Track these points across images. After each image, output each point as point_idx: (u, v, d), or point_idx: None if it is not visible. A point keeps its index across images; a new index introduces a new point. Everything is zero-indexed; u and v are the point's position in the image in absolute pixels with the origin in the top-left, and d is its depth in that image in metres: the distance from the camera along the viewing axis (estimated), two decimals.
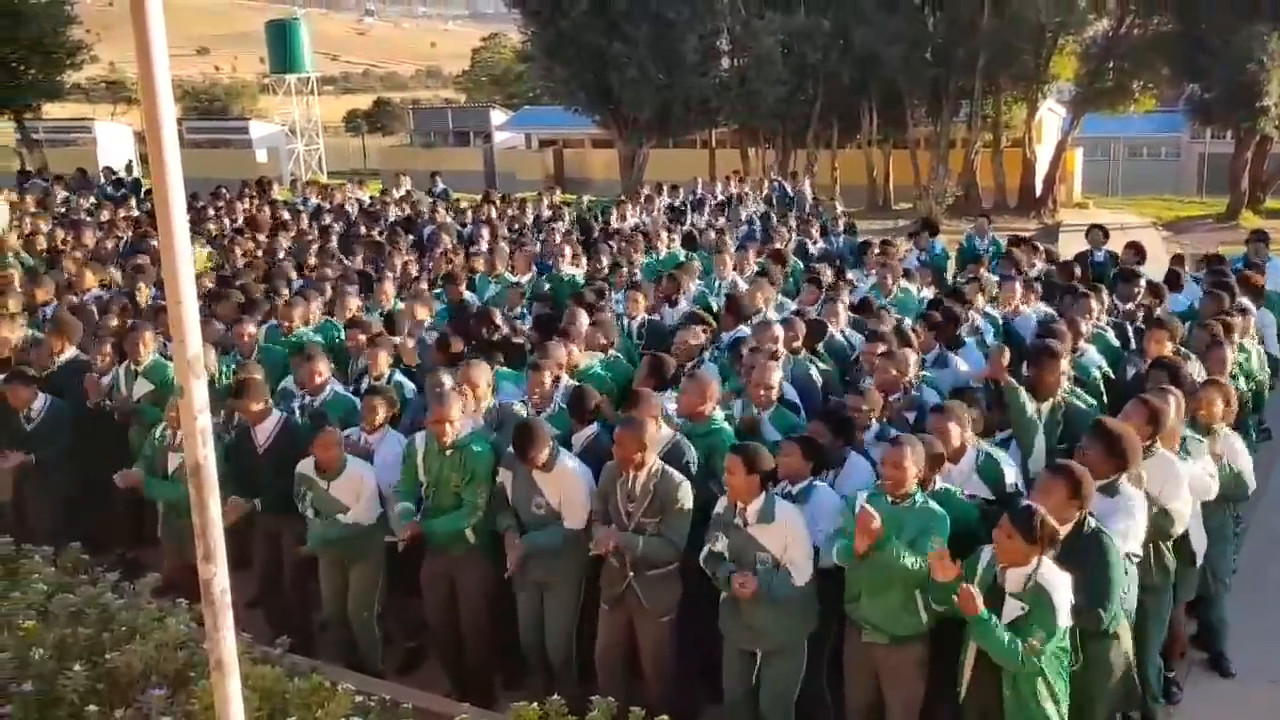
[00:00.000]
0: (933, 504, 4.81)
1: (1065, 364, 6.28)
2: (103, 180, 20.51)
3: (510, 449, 5.65)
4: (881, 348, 6.77)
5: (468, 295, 9.68)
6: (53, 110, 34.78)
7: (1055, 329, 7.04)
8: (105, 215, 14.78)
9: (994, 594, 4.36)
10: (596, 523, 5.41)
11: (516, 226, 14.25)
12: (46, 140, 33.15)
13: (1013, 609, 4.28)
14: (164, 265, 2.57)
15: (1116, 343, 7.83)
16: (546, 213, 15.59)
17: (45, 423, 7.21)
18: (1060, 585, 4.25)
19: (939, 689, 4.88)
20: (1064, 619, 4.25)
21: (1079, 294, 8.09)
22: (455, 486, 5.68)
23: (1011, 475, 5.41)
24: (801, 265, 11.03)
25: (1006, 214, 26.26)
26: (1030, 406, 5.89)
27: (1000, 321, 8.46)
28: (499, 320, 8.03)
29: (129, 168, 22.56)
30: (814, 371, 7.16)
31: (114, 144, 32.28)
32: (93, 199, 17.34)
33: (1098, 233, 11.41)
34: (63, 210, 15.95)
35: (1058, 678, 4.36)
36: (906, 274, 9.88)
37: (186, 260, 2.57)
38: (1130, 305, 8.72)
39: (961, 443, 5.38)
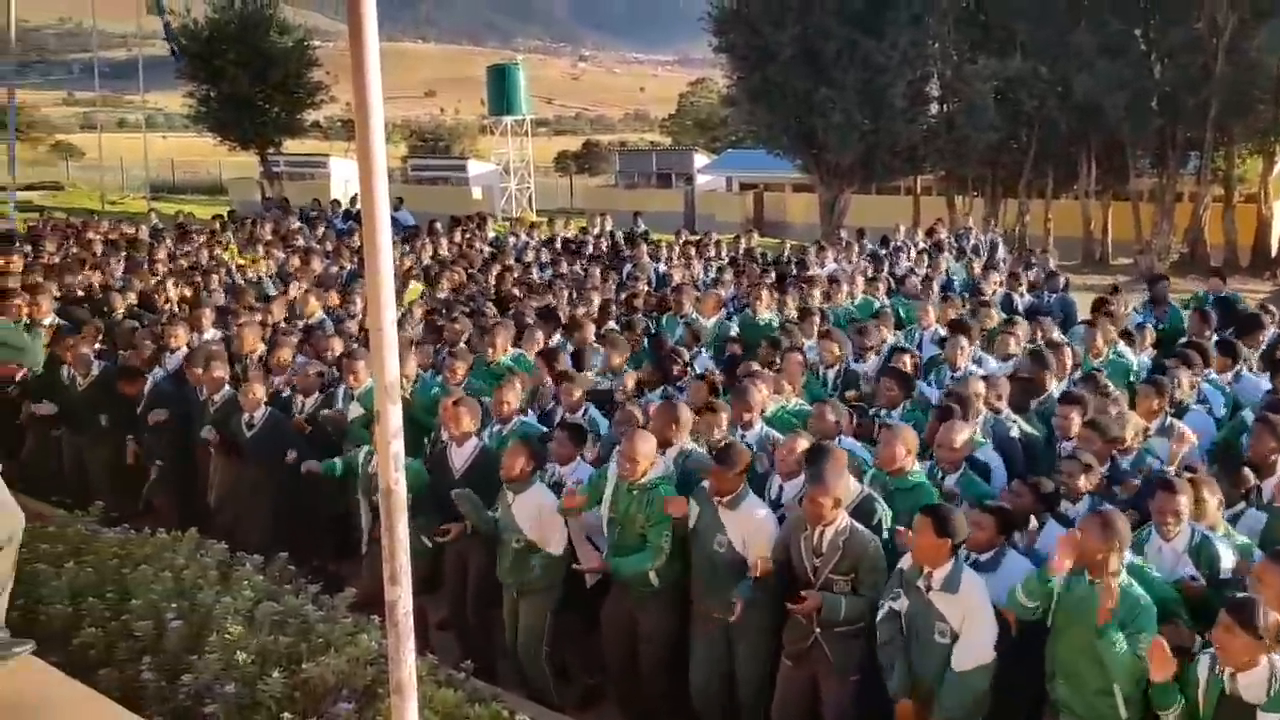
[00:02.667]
0: (1138, 589, 4.44)
1: None
2: (330, 212, 21.91)
3: (703, 483, 5.63)
4: (1075, 410, 6.37)
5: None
6: (292, 146, 37.55)
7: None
8: (329, 245, 15.75)
9: (1229, 706, 3.93)
10: (765, 558, 5.29)
11: (712, 268, 14.31)
12: (286, 173, 35.76)
13: None
14: (369, 294, 2.69)
15: None
16: (742, 255, 15.61)
17: (264, 430, 7.70)
18: None
19: None
20: None
21: None
22: (640, 527, 5.68)
23: (1229, 562, 4.96)
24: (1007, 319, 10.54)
25: (1238, 274, 24.40)
26: None
27: (1228, 389, 7.83)
28: (689, 359, 8.07)
29: (354, 200, 24.04)
30: (1015, 431, 6.83)
31: (345, 178, 34.48)
32: (322, 228, 18.54)
33: None
34: (297, 238, 17.10)
35: None
36: (1125, 334, 9.28)
37: (389, 289, 2.68)
38: None
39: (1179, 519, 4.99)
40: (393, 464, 2.72)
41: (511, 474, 5.98)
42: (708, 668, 5.67)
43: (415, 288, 12.39)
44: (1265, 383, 7.84)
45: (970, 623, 4.66)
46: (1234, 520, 5.44)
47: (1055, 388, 7.50)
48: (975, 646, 4.66)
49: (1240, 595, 3.98)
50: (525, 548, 6.00)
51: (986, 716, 4.75)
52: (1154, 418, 6.69)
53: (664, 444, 6.05)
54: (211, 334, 9.62)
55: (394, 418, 2.73)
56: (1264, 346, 8.95)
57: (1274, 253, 25.61)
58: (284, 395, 8.16)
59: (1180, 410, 6.99)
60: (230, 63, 31.87)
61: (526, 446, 6.06)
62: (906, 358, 8.07)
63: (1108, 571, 4.36)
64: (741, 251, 16.01)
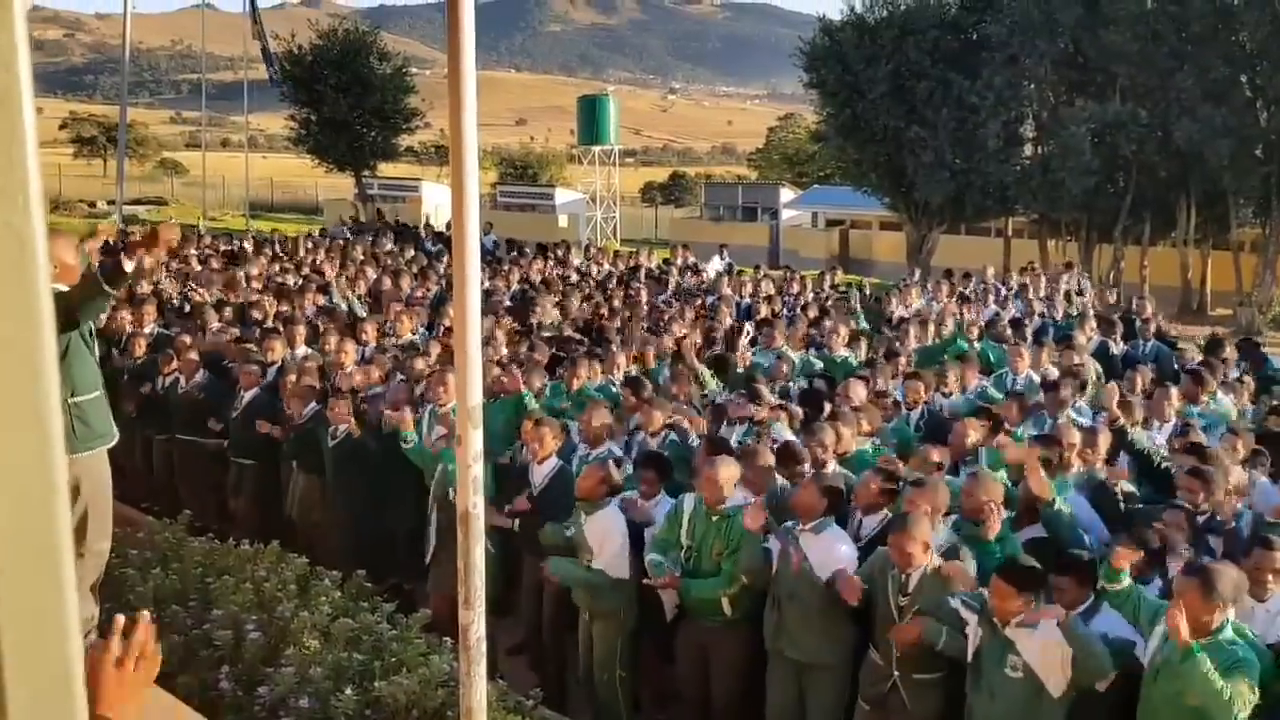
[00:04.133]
0: (1240, 646, 4.26)
1: None
2: (422, 235, 22.32)
3: (788, 524, 5.58)
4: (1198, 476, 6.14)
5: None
6: (386, 170, 38.45)
7: None
8: (416, 268, 16.02)
9: None
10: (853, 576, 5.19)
11: (795, 304, 14.21)
12: (379, 196, 36.63)
13: None
14: (455, 317, 2.72)
15: None
16: (827, 291, 15.49)
17: (343, 444, 7.84)
18: None
19: None
20: None
21: None
22: (717, 554, 5.63)
23: None
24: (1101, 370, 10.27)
25: None
26: None
27: None
28: (766, 394, 8.00)
29: (449, 225, 24.48)
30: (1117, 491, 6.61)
31: (436, 202, 35.15)
32: (413, 250, 18.89)
33: None
34: (388, 259, 17.45)
35: None
36: (1225, 385, 8.97)
37: (475, 316, 2.70)
38: None
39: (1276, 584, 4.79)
40: (472, 488, 2.73)
41: (585, 492, 5.98)
42: (786, 711, 5.57)
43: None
44: None
45: (1044, 664, 4.51)
46: None
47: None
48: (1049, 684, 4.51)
49: None
50: (598, 570, 5.97)
51: None
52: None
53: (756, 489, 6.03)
54: (303, 350, 9.83)
55: (475, 442, 2.74)
56: None
57: None
58: (369, 414, 8.28)
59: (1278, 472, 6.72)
60: (330, 87, 32.79)
61: (604, 468, 6.05)
62: (1015, 404, 7.88)
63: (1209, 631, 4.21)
64: (826, 288, 15.88)
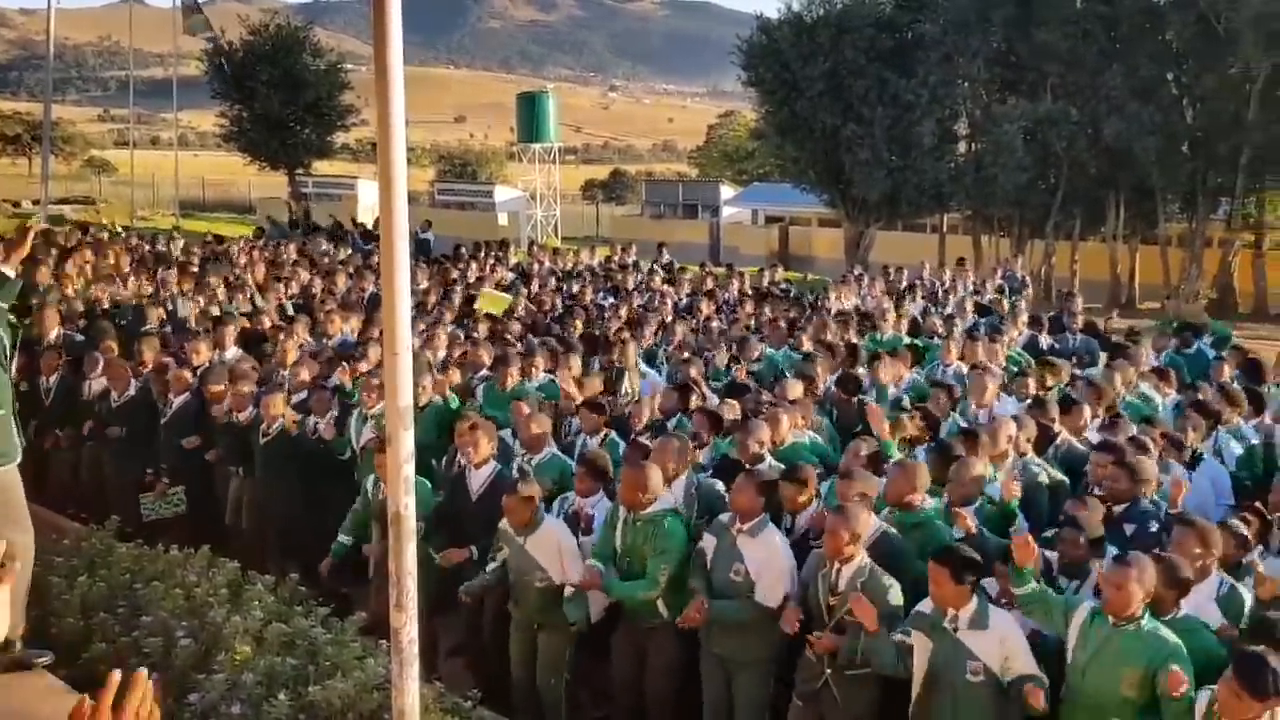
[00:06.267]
0: (1165, 632, 4.37)
1: None
2: (352, 233, 22.04)
3: (720, 516, 5.59)
4: (1111, 458, 6.29)
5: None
6: (321, 167, 37.96)
7: None
8: (352, 267, 15.82)
9: None
10: (795, 608, 5.23)
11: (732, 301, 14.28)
12: (314, 194, 36.11)
13: None
14: (385, 317, 2.69)
15: None
16: (766, 288, 15.58)
17: (275, 442, 7.73)
18: None
19: None
20: None
21: None
22: (645, 558, 5.65)
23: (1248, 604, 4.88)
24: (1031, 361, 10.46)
25: (1268, 321, 24.23)
26: None
27: (1260, 438, 7.72)
28: (704, 390, 8.05)
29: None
30: (1043, 477, 6.75)
31: (372, 201, 34.78)
32: (348, 249, 18.66)
33: None
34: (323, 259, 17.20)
35: None
36: (1159, 373, 9.21)
37: (405, 316, 2.67)
38: None
39: (1206, 565, 4.91)
40: (403, 488, 2.71)
41: (517, 522, 5.90)
42: (719, 708, 5.60)
43: (490, 297, 12.53)
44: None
45: (1017, 659, 4.59)
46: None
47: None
48: (1040, 679, 4.57)
49: (1248, 652, 3.88)
50: (550, 585, 5.92)
51: None
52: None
53: (666, 480, 6.04)
54: (233, 352, 9.66)
55: (406, 442, 2.71)
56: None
57: None
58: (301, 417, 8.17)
59: (1195, 459, 6.89)
60: (263, 84, 32.30)
61: (526, 499, 5.93)
62: (944, 395, 8.01)
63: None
64: (765, 285, 15.99)
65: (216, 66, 33.11)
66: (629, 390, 8.98)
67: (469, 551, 6.33)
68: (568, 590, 5.84)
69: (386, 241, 2.73)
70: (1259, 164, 24.01)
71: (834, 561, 5.04)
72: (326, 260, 16.78)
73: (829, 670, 5.06)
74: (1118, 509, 5.89)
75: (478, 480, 6.65)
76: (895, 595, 4.99)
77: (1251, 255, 25.85)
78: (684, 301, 13.87)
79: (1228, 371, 9.43)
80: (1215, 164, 24.40)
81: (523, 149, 37.00)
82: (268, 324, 10.92)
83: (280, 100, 32.55)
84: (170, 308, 11.89)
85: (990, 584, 5.03)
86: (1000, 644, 4.59)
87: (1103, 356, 10.95)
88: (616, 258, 18.33)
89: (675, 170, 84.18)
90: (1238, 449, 7.57)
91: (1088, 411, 7.61)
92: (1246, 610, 4.83)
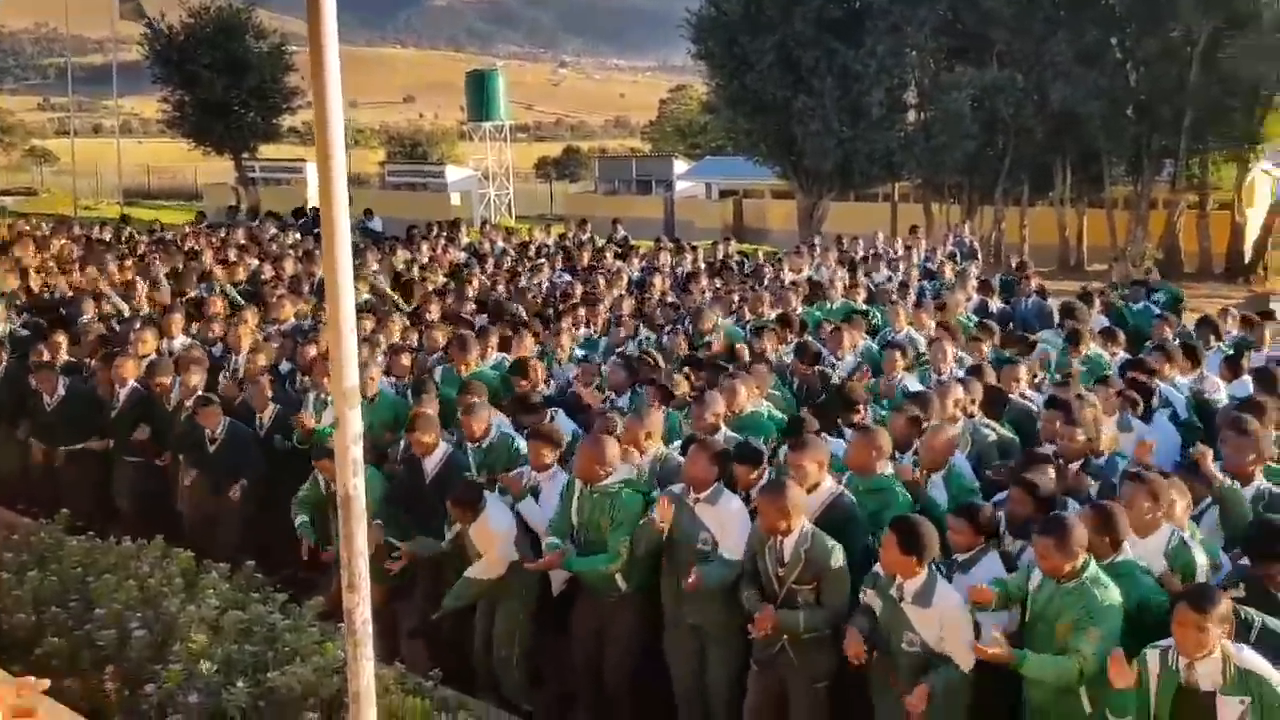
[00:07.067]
0: (1101, 585, 4.45)
1: (1265, 448, 5.80)
2: (304, 218, 21.75)
3: (672, 488, 5.63)
4: (1060, 415, 6.40)
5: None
6: (269, 151, 37.35)
7: (1258, 403, 6.51)
8: (301, 251, 15.63)
9: (1188, 698, 3.96)
10: (749, 588, 5.27)
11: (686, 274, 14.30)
12: (262, 179, 35.56)
13: (1230, 710, 3.86)
14: (328, 299, 2.66)
15: None
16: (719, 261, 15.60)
17: (226, 445, 7.64)
18: (1266, 669, 3.86)
19: None
20: None
21: None
22: (605, 531, 5.67)
23: (1203, 564, 4.98)
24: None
25: (1211, 280, 24.67)
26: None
27: (1191, 394, 7.90)
28: (660, 362, 8.07)
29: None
30: (991, 436, 6.86)
31: (344, 193, 34.22)
32: (297, 234, 18.43)
33: None
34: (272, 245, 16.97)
35: None
36: (1106, 333, 9.39)
37: (348, 295, 2.65)
38: None
39: (1154, 519, 5.01)
40: (351, 469, 2.69)
41: (460, 518, 5.94)
42: (691, 677, 5.63)
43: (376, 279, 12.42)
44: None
45: (952, 638, 4.65)
46: (1198, 517, 5.49)
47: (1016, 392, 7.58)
48: (964, 659, 4.64)
49: (1195, 584, 4.00)
50: (478, 578, 5.97)
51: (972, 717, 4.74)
52: (1111, 415, 6.84)
53: (638, 451, 6.06)
54: (182, 340, 9.53)
55: (354, 423, 2.69)
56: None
57: (1247, 259, 25.85)
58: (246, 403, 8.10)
59: (1146, 414, 7.03)
60: (205, 68, 31.71)
61: (462, 501, 5.93)
62: (898, 353, 8.11)
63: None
64: (719, 258, 16.01)
65: (157, 51, 32.47)
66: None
67: (378, 525, 6.31)
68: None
69: (327, 220, 2.70)
70: (1201, 126, 24.38)
71: (775, 535, 5.08)
72: (275, 246, 16.57)
73: (784, 636, 5.11)
74: (1075, 466, 6.02)
75: (431, 463, 6.64)
76: (838, 557, 5.04)
77: (1196, 216, 26.27)
78: (638, 277, 13.87)
79: (1169, 331, 9.60)
80: (1159, 127, 24.74)
81: (473, 128, 36.70)
82: (218, 309, 10.75)
83: (223, 84, 31.98)
84: (117, 297, 11.70)
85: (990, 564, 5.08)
86: (939, 623, 4.66)
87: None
88: (571, 235, 18.27)
89: (628, 146, 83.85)
90: (1184, 402, 7.73)
91: (1023, 370, 7.76)
92: (1197, 565, 4.93)
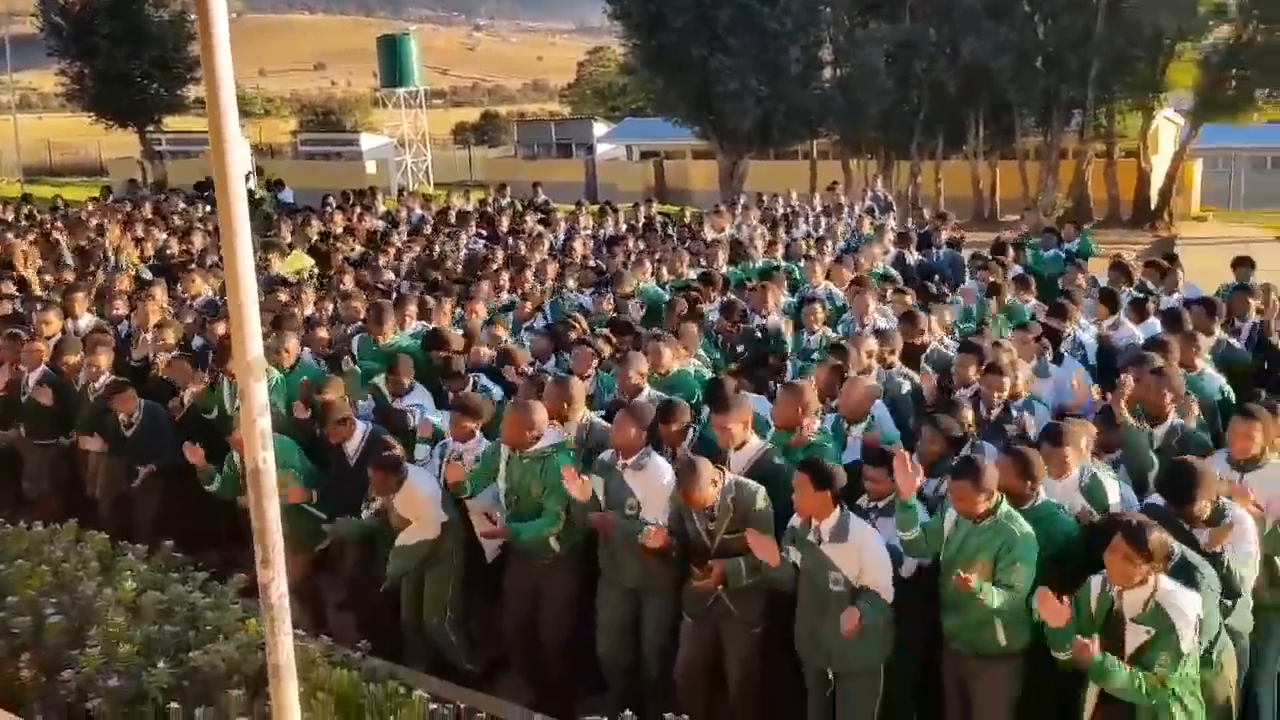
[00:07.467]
0: (1015, 521, 4.61)
1: (1178, 385, 6.00)
2: (208, 190, 21.19)
3: (601, 455, 5.63)
4: (974, 360, 6.55)
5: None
6: (174, 124, 36.21)
7: (1165, 344, 6.73)
8: (212, 224, 15.25)
9: (1115, 622, 4.14)
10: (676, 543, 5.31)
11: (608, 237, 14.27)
12: (169, 153, 34.52)
13: (1137, 635, 4.05)
14: (226, 267, 2.60)
15: (1249, 360, 7.52)
16: (642, 223, 15.60)
17: (142, 428, 7.46)
18: (1186, 605, 4.02)
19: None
20: (1189, 642, 4.01)
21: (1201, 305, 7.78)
22: (537, 496, 5.67)
23: (1115, 497, 5.17)
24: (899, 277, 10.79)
25: (1120, 227, 25.37)
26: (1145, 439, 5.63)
27: (1098, 339, 8.15)
28: (583, 326, 8.06)
29: (246, 178, 23.27)
30: (906, 386, 6.99)
31: (240, 159, 33.39)
32: (207, 207, 17.96)
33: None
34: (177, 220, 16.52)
35: (1193, 701, 4.12)
36: (1021, 281, 9.63)
37: (248, 265, 2.59)
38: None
39: (1072, 462, 5.17)
40: (259, 442, 2.64)
41: (380, 489, 5.92)
42: (617, 632, 5.68)
43: (297, 257, 12.12)
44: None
45: (871, 571, 4.76)
46: (1117, 463, 5.66)
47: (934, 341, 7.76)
48: (886, 589, 4.77)
49: (1133, 519, 4.14)
50: (417, 541, 5.98)
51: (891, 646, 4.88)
52: (1029, 360, 7.04)
53: (560, 419, 6.04)
54: (88, 320, 9.25)
55: (259, 395, 2.64)
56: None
57: (1153, 205, 26.58)
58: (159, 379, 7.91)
59: (1057, 358, 7.23)
60: (104, 38, 30.56)
61: (384, 468, 5.92)
62: (817, 307, 8.21)
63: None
64: (641, 220, 15.99)
65: (52, 23, 31.20)
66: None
67: (311, 493, 6.39)
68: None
69: (222, 193, 2.63)
70: (1107, 76, 24.97)
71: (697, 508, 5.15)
72: (181, 220, 16.12)
73: (720, 587, 5.18)
74: (996, 412, 6.17)
75: (352, 448, 6.55)
76: (762, 499, 5.13)
77: (1103, 165, 26.92)
78: (559, 241, 13.79)
79: (1081, 278, 9.85)
80: (1067, 78, 25.26)
81: (387, 94, 36.03)
82: (124, 287, 10.43)
83: (123, 55, 30.83)
84: (19, 278, 11.31)
85: None
86: (858, 555, 4.76)
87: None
88: (490, 201, 18.08)
89: (547, 109, 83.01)
90: (1093, 346, 7.97)
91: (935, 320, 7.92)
92: (1110, 496, 5.11)
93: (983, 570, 4.52)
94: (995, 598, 4.41)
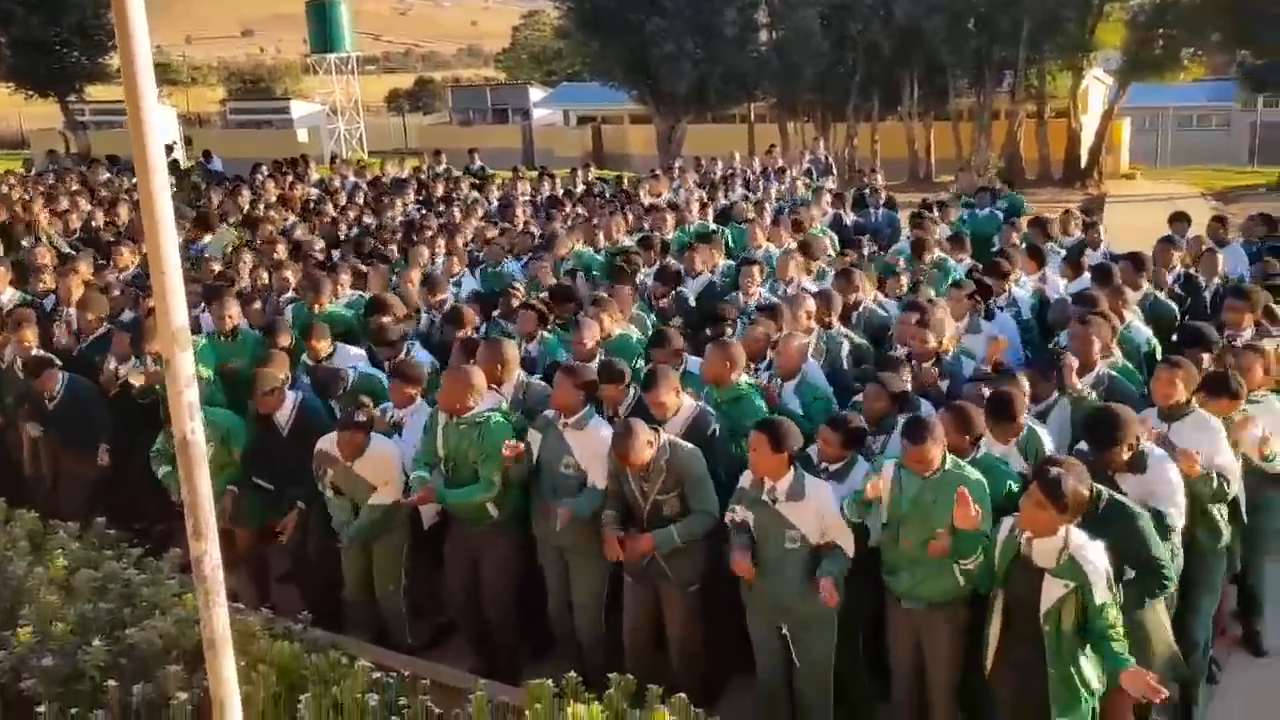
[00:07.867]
0: (964, 469, 4.71)
1: (1106, 336, 6.15)
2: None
3: (545, 413, 5.63)
4: (915, 317, 6.64)
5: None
6: (97, 93, 35.15)
7: (1093, 298, 6.88)
8: (137, 195, 14.89)
9: (1021, 567, 4.25)
10: (612, 508, 5.35)
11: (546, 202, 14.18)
12: (92, 123, 33.54)
13: (1055, 589, 4.14)
14: (147, 236, 2.54)
15: (1175, 312, 7.69)
16: (580, 189, 15.52)
17: (65, 402, 7.29)
18: (1096, 557, 4.12)
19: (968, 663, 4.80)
20: (1103, 591, 4.10)
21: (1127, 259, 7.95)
22: (474, 461, 5.65)
23: (1050, 448, 5.27)
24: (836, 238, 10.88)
25: (1051, 185, 25.78)
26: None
27: (1036, 295, 8.30)
28: (521, 296, 8.01)
29: (170, 149, 22.71)
30: (846, 346, 7.06)
31: (159, 126, 32.55)
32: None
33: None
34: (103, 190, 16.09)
35: (1120, 645, 4.19)
36: (953, 240, 9.78)
37: (170, 231, 2.53)
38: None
39: None
40: (186, 413, 2.60)
41: (344, 453, 5.87)
42: (560, 593, 5.72)
43: (231, 233, 11.86)
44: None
45: (832, 527, 4.83)
46: (1046, 413, 5.78)
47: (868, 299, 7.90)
48: (847, 544, 4.84)
49: (1049, 470, 4.21)
50: (382, 504, 5.95)
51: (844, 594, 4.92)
52: (962, 317, 7.18)
53: (495, 381, 6.01)
54: (11, 294, 8.99)
55: (185, 365, 2.59)
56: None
57: (1084, 164, 27.03)
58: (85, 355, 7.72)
59: (988, 314, 7.36)
60: (19, 5, 29.49)
61: (351, 427, 5.87)
62: (755, 269, 8.25)
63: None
64: (580, 186, 15.90)
65: None
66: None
67: (232, 492, 6.30)
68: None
69: (140, 160, 2.56)
70: (1038, 37, 25.25)
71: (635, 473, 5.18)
72: (107, 192, 15.70)
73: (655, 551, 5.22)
74: (927, 364, 6.28)
75: (284, 415, 6.46)
76: (699, 458, 5.18)
77: (1035, 125, 27.29)
78: (495, 207, 13.68)
79: (1015, 236, 10.02)
80: (998, 39, 25.49)
81: (318, 61, 35.35)
82: (46, 261, 10.13)
83: (40, 21, 29.79)
84: None
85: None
86: (817, 514, 4.82)
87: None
88: (425, 168, 17.86)
89: (482, 75, 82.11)
90: (1028, 301, 8.13)
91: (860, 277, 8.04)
92: (1045, 449, 5.22)
93: (946, 522, 4.54)
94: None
